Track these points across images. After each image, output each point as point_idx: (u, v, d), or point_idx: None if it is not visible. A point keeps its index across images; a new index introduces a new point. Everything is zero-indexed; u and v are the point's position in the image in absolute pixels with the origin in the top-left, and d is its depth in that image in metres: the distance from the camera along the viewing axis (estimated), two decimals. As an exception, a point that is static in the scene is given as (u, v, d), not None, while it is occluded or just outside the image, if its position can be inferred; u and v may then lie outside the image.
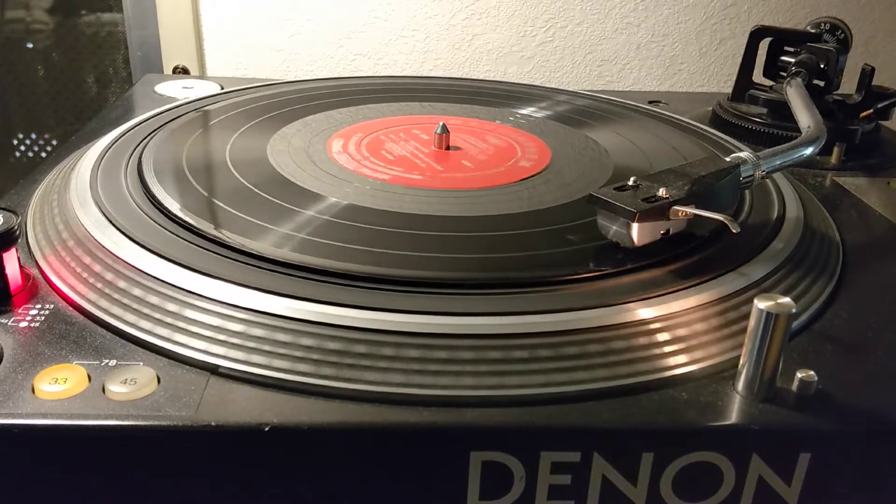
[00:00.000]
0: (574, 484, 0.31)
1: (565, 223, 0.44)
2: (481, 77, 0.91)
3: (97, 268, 0.38)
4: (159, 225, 0.41)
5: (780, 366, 0.32)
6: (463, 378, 0.32)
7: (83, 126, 0.62)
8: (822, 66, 0.63)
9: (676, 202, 0.39)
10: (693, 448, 0.31)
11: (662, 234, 0.40)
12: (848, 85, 0.64)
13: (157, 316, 0.35)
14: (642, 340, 0.35)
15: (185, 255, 0.38)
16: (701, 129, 0.64)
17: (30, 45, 0.97)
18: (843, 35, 0.66)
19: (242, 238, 0.40)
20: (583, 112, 0.66)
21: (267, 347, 0.33)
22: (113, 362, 0.33)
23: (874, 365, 0.36)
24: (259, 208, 0.44)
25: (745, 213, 0.47)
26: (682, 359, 0.34)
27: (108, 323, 0.35)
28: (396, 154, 0.54)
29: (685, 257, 0.40)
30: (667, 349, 0.35)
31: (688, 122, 0.66)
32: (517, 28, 0.92)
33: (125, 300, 0.36)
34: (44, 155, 1.02)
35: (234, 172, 0.49)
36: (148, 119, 0.59)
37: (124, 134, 0.55)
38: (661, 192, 0.40)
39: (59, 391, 0.31)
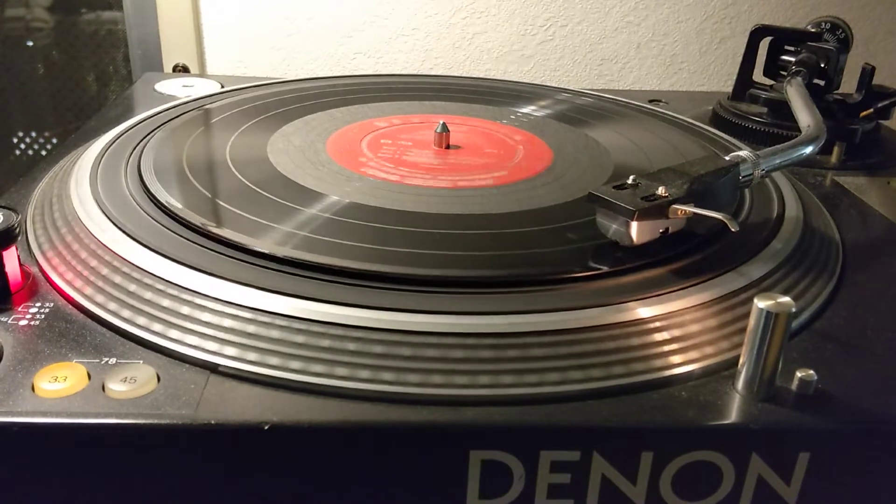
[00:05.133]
0: (573, 483, 0.32)
1: (565, 222, 0.44)
2: (481, 76, 0.91)
3: (97, 266, 0.38)
4: (159, 223, 0.41)
5: (780, 365, 0.32)
6: (462, 377, 0.32)
7: (83, 124, 0.62)
8: (822, 65, 0.63)
9: (676, 201, 0.39)
10: (692, 447, 0.31)
11: (662, 233, 0.40)
12: (848, 84, 0.64)
13: (157, 314, 0.35)
14: (642, 339, 0.35)
15: (185, 253, 0.38)
16: (701, 128, 0.64)
17: (30, 44, 0.97)
18: (843, 34, 0.66)
19: (242, 236, 0.40)
20: (583, 111, 0.66)
21: (267, 346, 0.33)
22: (113, 360, 0.33)
23: (874, 364, 0.36)
24: (259, 207, 0.44)
25: (744, 213, 0.47)
26: (681, 358, 0.34)
27: (108, 321, 0.35)
28: (396, 153, 0.54)
29: (684, 256, 0.40)
30: (666, 348, 0.35)
31: (688, 122, 0.66)
32: (517, 27, 0.92)
33: (125, 298, 0.36)
34: (44, 153, 1.02)
35: (234, 171, 0.49)
36: (148, 118, 0.59)
37: (124, 132, 0.55)
38: (661, 190, 0.40)
39: (58, 389, 0.31)
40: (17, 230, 0.37)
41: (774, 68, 0.67)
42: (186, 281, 0.36)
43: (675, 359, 0.34)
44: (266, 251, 0.38)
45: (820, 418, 0.32)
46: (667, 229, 0.40)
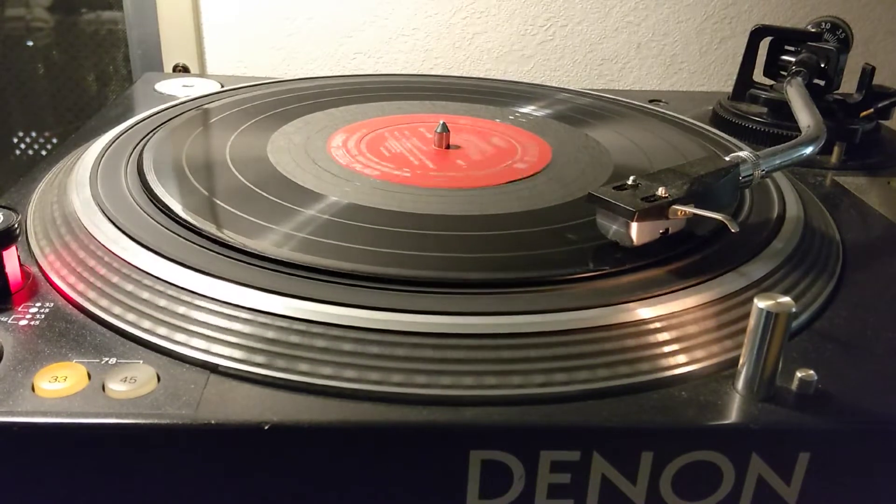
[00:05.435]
0: (573, 483, 0.32)
1: (565, 222, 0.44)
2: (481, 76, 0.91)
3: (97, 266, 0.38)
4: (159, 224, 0.41)
5: (780, 365, 0.32)
6: (462, 377, 0.32)
7: (83, 124, 0.62)
8: (822, 65, 0.63)
9: (676, 201, 0.39)
10: (692, 447, 0.31)
11: (662, 234, 0.40)
12: (848, 84, 0.64)
13: (157, 314, 0.35)
14: (642, 340, 0.35)
15: (185, 253, 0.38)
16: (701, 128, 0.64)
17: (30, 44, 0.97)
18: (843, 34, 0.66)
19: (242, 237, 0.40)
20: (583, 111, 0.66)
21: (266, 346, 0.33)
22: (113, 360, 0.33)
23: (874, 364, 0.36)
24: (259, 207, 0.44)
25: (744, 213, 0.47)
26: (681, 358, 0.34)
27: (108, 321, 0.35)
28: (396, 153, 0.54)
29: (685, 257, 0.40)
30: (666, 349, 0.35)
31: (688, 122, 0.66)
32: (517, 27, 0.92)
33: (125, 298, 0.36)
34: (44, 153, 1.02)
35: (235, 171, 0.49)
36: (148, 117, 0.59)
37: (124, 132, 0.55)
38: (661, 191, 0.40)
39: (59, 389, 0.31)
40: (17, 230, 0.37)
41: (774, 68, 0.67)
42: (187, 281, 0.36)
43: (676, 359, 0.34)
44: (265, 252, 0.38)
45: (820, 418, 0.32)
46: (667, 230, 0.40)
